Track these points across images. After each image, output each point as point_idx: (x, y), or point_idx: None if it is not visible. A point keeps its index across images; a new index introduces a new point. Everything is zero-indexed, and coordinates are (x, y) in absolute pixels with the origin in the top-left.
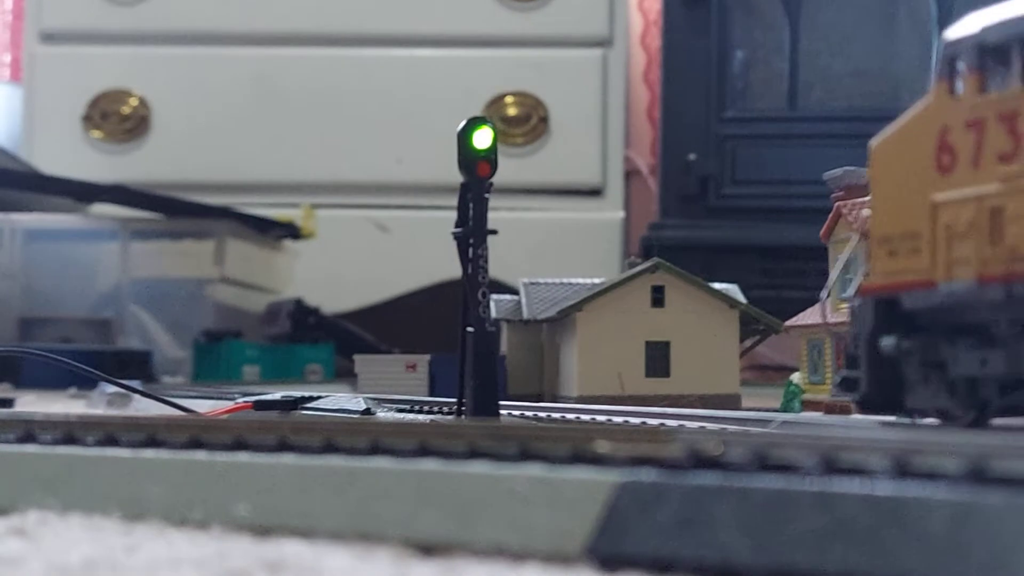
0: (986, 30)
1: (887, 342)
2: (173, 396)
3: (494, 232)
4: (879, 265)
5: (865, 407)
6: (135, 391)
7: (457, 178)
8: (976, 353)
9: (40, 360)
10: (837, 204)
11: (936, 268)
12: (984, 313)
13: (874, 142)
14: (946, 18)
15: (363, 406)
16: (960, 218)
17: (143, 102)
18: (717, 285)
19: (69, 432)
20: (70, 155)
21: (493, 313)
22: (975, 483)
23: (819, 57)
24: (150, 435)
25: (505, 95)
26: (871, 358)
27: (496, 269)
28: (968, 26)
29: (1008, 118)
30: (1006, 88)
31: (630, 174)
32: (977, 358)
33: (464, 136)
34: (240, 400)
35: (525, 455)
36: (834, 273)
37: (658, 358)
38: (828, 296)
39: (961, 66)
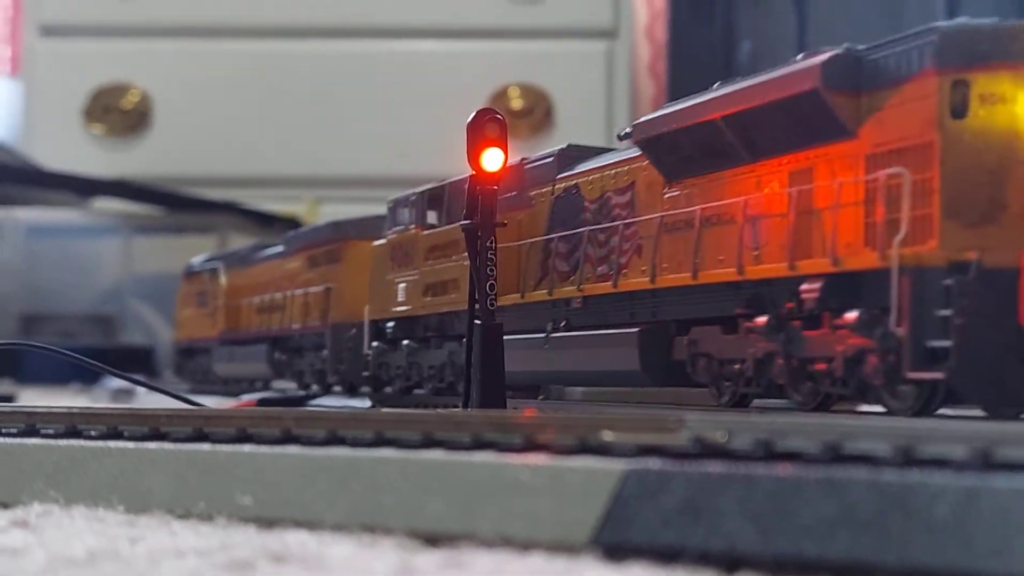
0: (196, 264)
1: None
2: (176, 392)
3: (503, 224)
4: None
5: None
6: (140, 384)
7: (461, 172)
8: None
9: (43, 355)
10: None
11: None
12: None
13: None
14: (954, 6)
15: (368, 403)
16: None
17: (144, 96)
18: None
19: (72, 425)
20: (71, 150)
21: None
22: (981, 469)
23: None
24: (153, 427)
25: (509, 87)
26: None
27: None
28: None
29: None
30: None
31: None
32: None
33: (474, 128)
34: (244, 397)
35: (530, 445)
36: None
37: None
38: None
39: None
